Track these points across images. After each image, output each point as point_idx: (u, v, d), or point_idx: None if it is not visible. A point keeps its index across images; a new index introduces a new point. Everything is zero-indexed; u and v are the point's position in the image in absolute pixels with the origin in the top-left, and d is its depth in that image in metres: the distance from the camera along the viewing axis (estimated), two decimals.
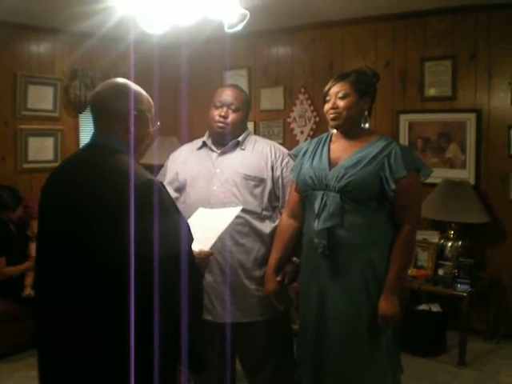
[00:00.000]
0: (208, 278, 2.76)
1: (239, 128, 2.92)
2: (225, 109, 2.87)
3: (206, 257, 2.20)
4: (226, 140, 2.90)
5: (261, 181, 2.85)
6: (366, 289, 2.54)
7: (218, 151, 2.92)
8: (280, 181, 2.88)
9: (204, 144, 2.98)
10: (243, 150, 2.92)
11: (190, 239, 1.99)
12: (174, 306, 1.86)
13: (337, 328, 2.57)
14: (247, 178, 2.83)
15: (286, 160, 2.90)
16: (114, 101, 2.02)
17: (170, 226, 1.90)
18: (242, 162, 2.87)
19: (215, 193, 2.82)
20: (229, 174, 2.85)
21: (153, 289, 1.81)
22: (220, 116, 2.86)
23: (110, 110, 2.02)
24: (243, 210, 2.75)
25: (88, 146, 2.08)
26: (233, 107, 2.88)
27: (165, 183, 2.89)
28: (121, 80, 2.09)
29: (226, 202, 2.79)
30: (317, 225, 2.57)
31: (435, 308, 4.59)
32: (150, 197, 1.86)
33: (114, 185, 1.87)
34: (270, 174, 2.87)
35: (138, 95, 2.07)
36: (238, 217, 2.74)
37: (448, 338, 4.60)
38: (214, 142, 2.95)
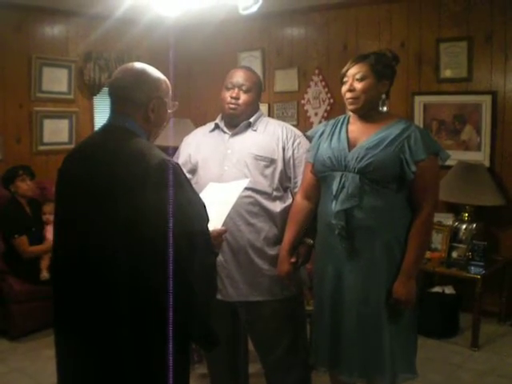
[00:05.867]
0: (218, 257, 2.77)
1: (251, 109, 2.92)
2: (236, 90, 2.87)
3: (219, 235, 2.21)
4: (237, 121, 2.91)
5: (271, 161, 2.85)
6: (383, 271, 2.55)
7: (230, 132, 2.93)
8: (291, 161, 2.88)
9: (216, 126, 2.99)
10: (255, 130, 2.92)
11: (206, 218, 2.01)
12: (188, 284, 1.88)
13: (354, 311, 2.57)
14: (258, 158, 2.84)
15: (297, 141, 2.90)
16: (133, 90, 2.02)
17: (186, 205, 1.91)
18: (253, 142, 2.88)
19: (226, 173, 2.83)
20: (240, 154, 2.86)
21: (168, 267, 1.83)
22: (231, 97, 2.87)
23: (129, 99, 2.03)
24: (254, 190, 2.78)
25: (104, 127, 2.09)
26: (244, 88, 2.88)
27: None
28: (139, 66, 2.09)
29: None
30: (334, 206, 2.56)
31: (449, 290, 4.60)
32: (165, 176, 1.87)
33: (130, 165, 1.89)
34: (281, 154, 2.87)
35: (156, 82, 2.07)
36: (248, 196, 2.78)
37: (461, 320, 4.61)
38: (226, 124, 2.96)
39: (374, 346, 2.56)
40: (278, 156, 2.86)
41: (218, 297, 2.76)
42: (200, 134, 3.07)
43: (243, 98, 2.88)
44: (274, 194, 2.86)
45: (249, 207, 2.80)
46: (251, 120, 2.92)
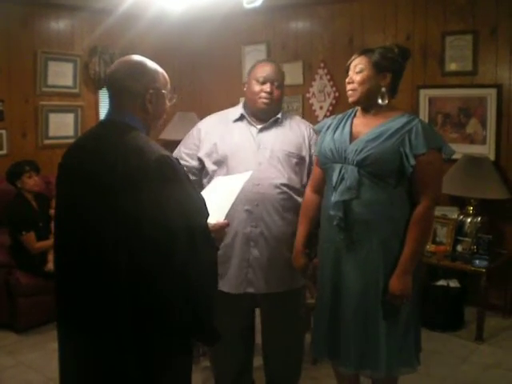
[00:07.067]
0: (254, 251, 2.84)
1: (280, 104, 2.97)
2: (269, 85, 2.87)
3: (222, 228, 2.18)
4: (268, 116, 2.93)
5: (301, 158, 2.92)
6: (380, 265, 2.55)
7: (258, 126, 2.93)
8: (312, 158, 2.94)
9: (242, 116, 2.97)
10: (281, 126, 2.95)
11: (206, 214, 2.01)
12: (188, 279, 1.89)
13: (352, 303, 2.58)
14: (290, 155, 2.89)
15: (315, 137, 2.96)
16: (130, 81, 2.02)
17: (185, 200, 1.92)
18: (284, 139, 2.91)
19: (262, 169, 2.84)
20: (272, 150, 2.88)
21: (167, 263, 1.85)
22: (266, 92, 2.87)
23: (126, 90, 2.02)
24: (288, 186, 2.86)
25: (103, 122, 2.10)
26: (276, 83, 2.89)
27: (201, 155, 2.92)
28: (136, 58, 2.09)
29: (273, 177, 2.84)
30: (333, 197, 2.58)
31: (453, 284, 4.59)
32: (164, 172, 1.88)
33: (129, 160, 1.89)
34: (308, 151, 2.94)
35: (153, 73, 2.07)
36: (283, 192, 2.84)
37: (466, 313, 4.62)
38: (253, 116, 2.95)
39: (370, 338, 2.57)
40: (306, 153, 2.93)
41: (251, 290, 2.87)
42: (221, 122, 3.01)
43: (276, 93, 2.90)
44: (302, 190, 2.92)
45: (284, 202, 2.86)
46: (279, 116, 2.95)
